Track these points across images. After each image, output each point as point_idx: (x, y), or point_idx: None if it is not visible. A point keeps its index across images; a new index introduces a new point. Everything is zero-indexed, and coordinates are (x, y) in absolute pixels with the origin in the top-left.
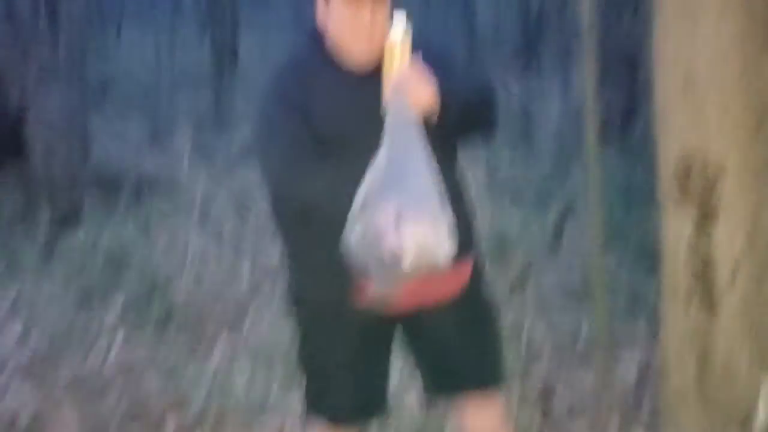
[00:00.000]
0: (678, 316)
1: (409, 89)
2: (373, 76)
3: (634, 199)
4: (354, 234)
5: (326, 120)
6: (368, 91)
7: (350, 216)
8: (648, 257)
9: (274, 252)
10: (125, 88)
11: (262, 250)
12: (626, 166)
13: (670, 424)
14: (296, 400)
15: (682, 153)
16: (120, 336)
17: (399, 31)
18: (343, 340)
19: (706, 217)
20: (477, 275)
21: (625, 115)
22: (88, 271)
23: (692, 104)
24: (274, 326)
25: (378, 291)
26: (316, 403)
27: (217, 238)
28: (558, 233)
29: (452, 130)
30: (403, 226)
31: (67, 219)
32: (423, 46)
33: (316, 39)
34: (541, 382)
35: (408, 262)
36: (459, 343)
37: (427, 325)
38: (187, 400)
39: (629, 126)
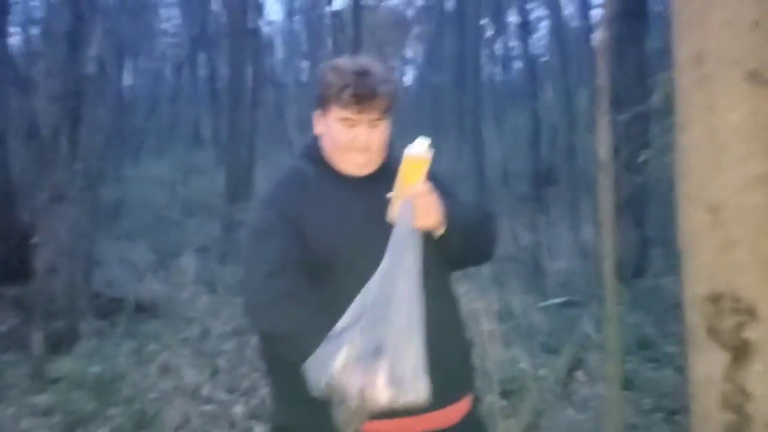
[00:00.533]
0: None
1: (419, 206)
2: (368, 181)
3: (647, 351)
4: (327, 359)
5: (320, 224)
6: (364, 194)
7: (329, 339)
8: (665, 410)
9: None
10: (137, 213)
11: (256, 390)
12: (638, 317)
13: None
14: None
15: (709, 293)
16: None
17: (422, 147)
18: None
19: (737, 359)
20: (474, 409)
21: (635, 268)
22: (74, 401)
23: (719, 242)
24: None
25: (341, 422)
26: None
27: (211, 373)
28: (568, 381)
29: (453, 250)
30: (378, 363)
31: (61, 344)
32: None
33: (313, 148)
34: None
35: (376, 401)
36: None
37: None
38: None
39: (639, 278)
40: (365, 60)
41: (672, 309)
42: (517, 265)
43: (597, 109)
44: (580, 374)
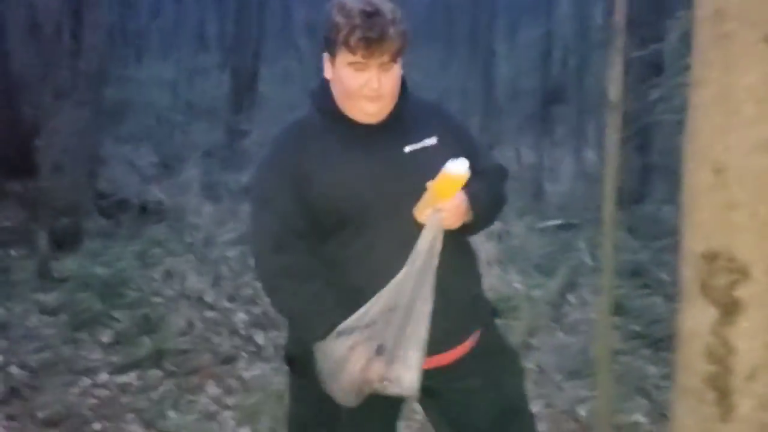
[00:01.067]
0: (689, 410)
1: (449, 216)
2: (381, 129)
3: (641, 280)
4: (334, 350)
5: (328, 181)
6: (376, 146)
7: (339, 334)
8: (652, 338)
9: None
10: (140, 115)
11: (257, 299)
12: (634, 244)
13: None
14: None
15: (706, 250)
16: (105, 375)
17: (462, 167)
18: (336, 408)
19: (726, 317)
20: (481, 341)
21: (635, 194)
22: (79, 302)
23: (721, 203)
24: (262, 381)
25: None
26: None
27: (215, 280)
28: (560, 304)
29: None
30: (380, 360)
31: (66, 243)
32: (444, 114)
33: (321, 95)
34: None
35: (371, 389)
36: (479, 398)
37: (438, 388)
38: None
39: (639, 204)
40: (375, 6)
41: (669, 237)
42: (518, 185)
43: (611, 46)
44: (572, 297)
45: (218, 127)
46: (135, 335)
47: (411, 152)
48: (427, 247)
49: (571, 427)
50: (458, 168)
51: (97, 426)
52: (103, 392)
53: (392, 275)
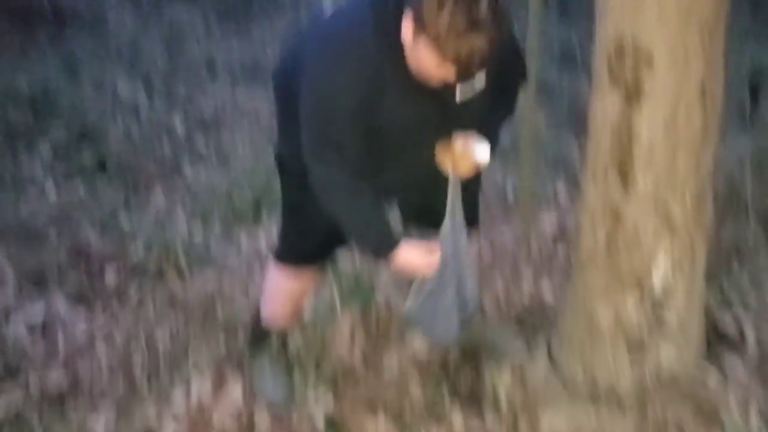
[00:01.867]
0: (596, 187)
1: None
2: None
3: (569, 61)
4: (427, 304)
5: (385, 117)
6: (431, 90)
7: (426, 288)
8: (575, 118)
9: (206, 105)
10: None
11: (193, 101)
12: (564, 29)
13: (579, 282)
14: (233, 251)
15: (616, 37)
16: (51, 185)
17: (485, 156)
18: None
19: (630, 100)
20: None
21: None
22: (9, 116)
23: None
24: (207, 182)
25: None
26: (288, 250)
27: (147, 84)
28: None
29: None
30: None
31: None
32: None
33: (393, 38)
34: None
35: None
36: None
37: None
38: (125, 249)
39: None
40: (482, 24)
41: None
42: None
43: None
44: None
45: None
46: (74, 147)
47: (462, 104)
48: (453, 198)
49: (500, 205)
50: (483, 156)
51: (53, 233)
52: (53, 202)
53: (416, 188)
